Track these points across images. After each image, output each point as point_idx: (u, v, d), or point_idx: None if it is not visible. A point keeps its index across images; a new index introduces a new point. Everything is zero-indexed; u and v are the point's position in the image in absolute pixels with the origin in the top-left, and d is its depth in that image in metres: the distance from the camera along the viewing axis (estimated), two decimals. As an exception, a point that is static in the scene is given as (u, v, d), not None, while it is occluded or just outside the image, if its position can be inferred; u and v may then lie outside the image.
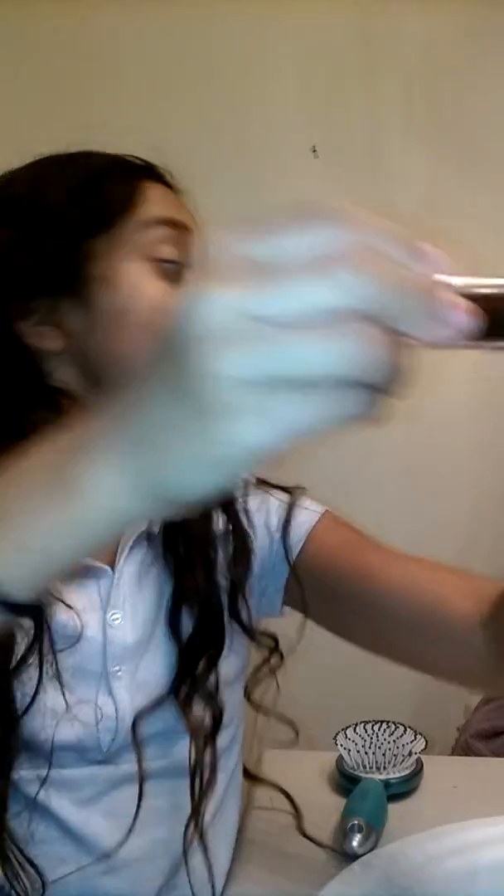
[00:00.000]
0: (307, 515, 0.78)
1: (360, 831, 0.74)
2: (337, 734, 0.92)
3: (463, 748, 1.36)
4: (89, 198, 0.69)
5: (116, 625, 0.67)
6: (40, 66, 1.70)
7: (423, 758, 0.91)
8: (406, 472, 1.76)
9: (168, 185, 0.74)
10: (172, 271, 0.68)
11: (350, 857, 0.73)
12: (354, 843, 0.74)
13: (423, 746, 0.90)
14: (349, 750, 0.90)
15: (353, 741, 0.91)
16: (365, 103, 1.75)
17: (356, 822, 0.75)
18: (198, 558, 0.71)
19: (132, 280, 0.67)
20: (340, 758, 0.91)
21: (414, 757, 0.89)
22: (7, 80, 1.69)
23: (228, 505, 0.75)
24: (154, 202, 0.70)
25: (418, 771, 0.89)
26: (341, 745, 0.90)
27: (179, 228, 0.70)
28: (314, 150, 1.75)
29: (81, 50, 1.70)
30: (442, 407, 1.78)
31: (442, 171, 1.75)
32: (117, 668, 0.67)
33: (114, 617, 0.68)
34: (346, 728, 0.93)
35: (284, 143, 1.74)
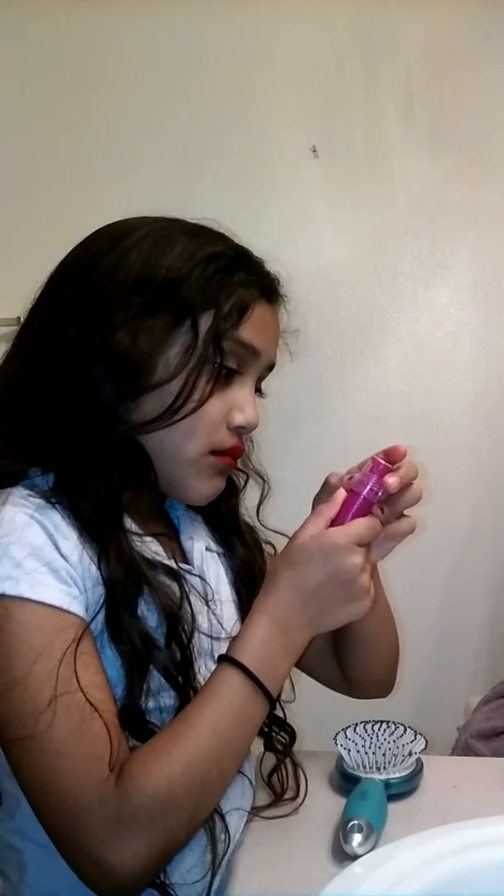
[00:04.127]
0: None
1: (360, 831, 0.74)
2: (337, 734, 0.92)
3: (463, 748, 1.36)
4: (213, 293, 0.76)
5: None
6: (40, 65, 1.70)
7: (423, 758, 0.91)
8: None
9: (273, 302, 0.82)
10: (224, 376, 0.77)
11: (350, 857, 0.73)
12: (354, 843, 0.74)
13: (423, 746, 0.90)
14: (349, 750, 0.90)
15: (353, 741, 0.91)
16: (365, 103, 1.74)
17: (356, 822, 0.75)
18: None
19: (199, 380, 0.75)
20: (340, 758, 0.91)
21: (414, 757, 0.89)
22: (7, 79, 1.69)
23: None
24: (254, 327, 0.78)
25: (418, 771, 0.89)
26: (341, 745, 0.90)
27: (255, 356, 0.79)
28: (314, 150, 1.75)
29: (81, 50, 1.70)
30: (442, 407, 1.79)
31: (442, 171, 1.75)
32: None
33: None
34: (346, 728, 0.93)
35: (284, 143, 1.74)
